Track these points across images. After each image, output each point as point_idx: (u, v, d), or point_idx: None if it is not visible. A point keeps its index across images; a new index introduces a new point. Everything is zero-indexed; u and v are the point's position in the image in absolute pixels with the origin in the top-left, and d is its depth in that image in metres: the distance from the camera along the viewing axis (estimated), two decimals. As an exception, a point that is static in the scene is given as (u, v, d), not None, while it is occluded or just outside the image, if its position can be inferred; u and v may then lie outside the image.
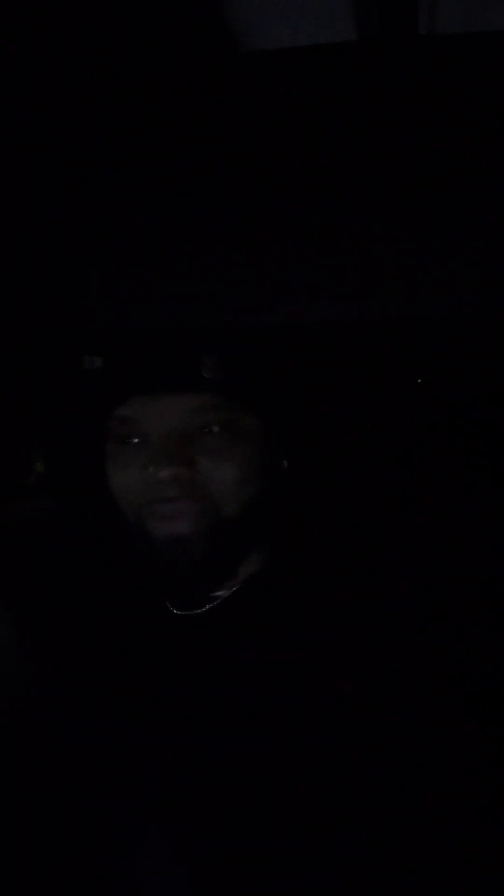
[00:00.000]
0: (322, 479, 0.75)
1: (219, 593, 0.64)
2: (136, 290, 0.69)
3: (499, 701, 0.72)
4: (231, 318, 0.68)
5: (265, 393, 0.63)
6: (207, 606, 0.64)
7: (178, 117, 0.64)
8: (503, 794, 0.54)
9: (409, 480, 1.01)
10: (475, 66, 0.59)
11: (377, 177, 0.68)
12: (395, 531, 0.96)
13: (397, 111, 0.62)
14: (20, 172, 0.67)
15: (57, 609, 0.69)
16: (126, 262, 0.69)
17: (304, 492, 0.70)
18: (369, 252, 0.68)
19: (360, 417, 0.99)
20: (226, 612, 0.63)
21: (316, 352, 0.78)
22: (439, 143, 0.65)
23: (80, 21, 0.57)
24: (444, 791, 0.54)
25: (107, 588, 0.69)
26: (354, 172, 0.67)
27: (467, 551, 0.95)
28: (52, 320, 0.72)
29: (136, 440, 0.60)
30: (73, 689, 0.64)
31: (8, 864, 0.59)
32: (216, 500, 0.59)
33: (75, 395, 0.75)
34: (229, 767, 0.56)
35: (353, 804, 0.53)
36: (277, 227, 0.68)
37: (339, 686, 0.56)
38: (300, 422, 0.69)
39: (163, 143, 0.66)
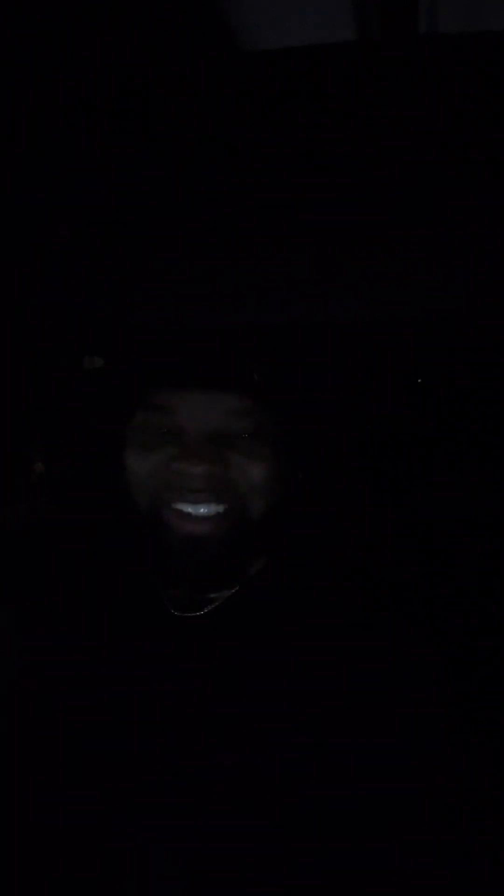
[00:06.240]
0: (330, 486, 0.75)
1: (218, 594, 0.64)
2: (194, 288, 0.67)
3: (499, 701, 0.72)
4: (282, 324, 0.66)
5: (299, 401, 0.63)
6: (207, 608, 0.64)
7: (181, 116, 0.64)
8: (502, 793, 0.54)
9: (410, 481, 1.01)
10: (475, 66, 0.58)
11: (378, 176, 0.67)
12: (395, 531, 0.96)
13: (397, 111, 0.62)
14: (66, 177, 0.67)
15: (56, 610, 0.69)
16: (184, 259, 0.68)
17: (313, 500, 0.69)
18: (375, 251, 0.68)
19: (366, 423, 1.00)
20: (226, 614, 0.63)
21: (345, 360, 0.77)
22: (439, 143, 0.65)
23: (80, 21, 0.57)
24: (448, 797, 0.54)
25: (106, 589, 0.69)
26: (354, 171, 0.67)
27: (468, 552, 0.95)
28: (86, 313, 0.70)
29: (165, 430, 0.59)
30: (71, 690, 0.64)
31: (6, 865, 0.59)
32: (244, 500, 0.59)
33: (99, 379, 0.74)
34: (229, 771, 0.56)
35: (355, 808, 0.53)
36: (274, 231, 0.68)
37: (341, 689, 0.56)
38: (322, 431, 0.69)
39: (164, 141, 0.66)
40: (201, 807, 0.56)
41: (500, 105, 0.60)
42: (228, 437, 0.58)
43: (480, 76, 0.59)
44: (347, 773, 0.53)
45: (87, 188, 0.68)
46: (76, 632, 0.66)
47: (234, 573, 0.63)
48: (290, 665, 0.58)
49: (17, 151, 0.66)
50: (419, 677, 0.58)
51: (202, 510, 0.57)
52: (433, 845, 0.52)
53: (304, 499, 0.67)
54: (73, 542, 0.75)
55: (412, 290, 0.64)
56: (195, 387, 0.58)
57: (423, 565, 0.93)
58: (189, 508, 0.57)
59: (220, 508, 0.58)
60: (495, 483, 0.95)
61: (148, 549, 0.62)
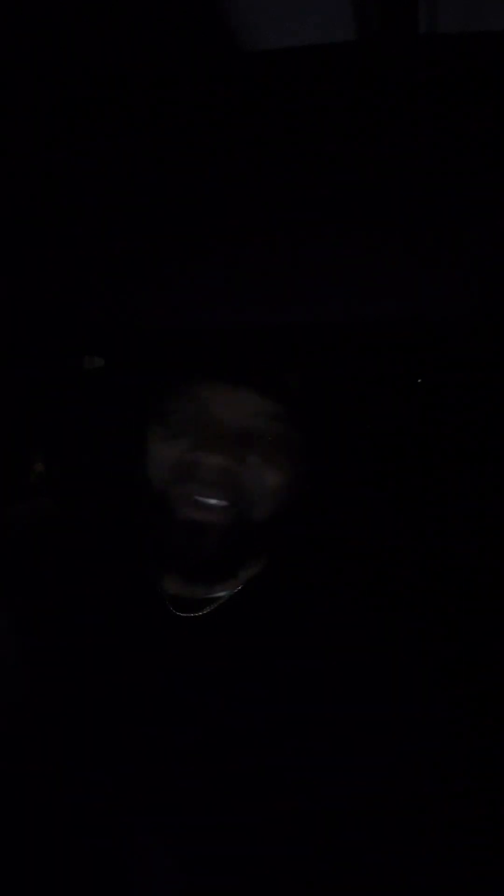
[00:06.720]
0: (335, 495, 0.75)
1: (219, 594, 0.64)
2: (240, 285, 0.67)
3: (500, 703, 0.72)
4: (322, 325, 0.66)
5: (324, 414, 0.64)
6: (208, 608, 0.64)
7: (181, 116, 0.64)
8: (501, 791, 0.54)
9: (412, 485, 1.01)
10: (475, 66, 0.58)
11: (377, 176, 0.67)
12: (397, 533, 0.96)
13: (397, 111, 0.62)
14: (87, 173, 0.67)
15: (56, 610, 0.69)
16: (220, 258, 0.67)
17: (317, 506, 0.69)
18: (376, 251, 0.67)
19: (372, 428, 0.99)
20: (227, 614, 0.63)
21: (383, 376, 0.76)
22: (439, 143, 0.64)
23: (80, 21, 0.57)
24: (449, 796, 0.54)
25: (107, 589, 0.69)
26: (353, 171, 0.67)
27: (470, 557, 0.95)
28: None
29: (193, 420, 0.59)
30: (72, 691, 0.64)
31: (7, 864, 0.59)
32: (252, 502, 0.59)
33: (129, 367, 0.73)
34: (230, 771, 0.56)
35: (357, 808, 0.53)
36: (278, 227, 0.68)
37: (342, 689, 0.56)
38: (343, 446, 0.69)
39: (165, 141, 0.66)
40: (202, 806, 0.56)
41: (500, 105, 0.60)
42: (251, 437, 0.59)
43: (480, 76, 0.59)
44: (349, 773, 0.53)
45: (119, 189, 0.67)
46: (77, 632, 0.66)
47: (230, 569, 0.63)
48: (291, 666, 0.58)
49: (17, 152, 0.66)
50: (420, 679, 0.58)
51: (210, 501, 0.58)
52: (434, 845, 0.52)
53: (308, 505, 0.67)
54: (73, 542, 0.75)
55: (416, 291, 0.64)
56: (230, 382, 0.58)
57: (424, 568, 0.93)
58: (196, 496, 0.58)
59: (226, 503, 0.58)
60: (496, 484, 0.95)
61: (149, 537, 0.62)
